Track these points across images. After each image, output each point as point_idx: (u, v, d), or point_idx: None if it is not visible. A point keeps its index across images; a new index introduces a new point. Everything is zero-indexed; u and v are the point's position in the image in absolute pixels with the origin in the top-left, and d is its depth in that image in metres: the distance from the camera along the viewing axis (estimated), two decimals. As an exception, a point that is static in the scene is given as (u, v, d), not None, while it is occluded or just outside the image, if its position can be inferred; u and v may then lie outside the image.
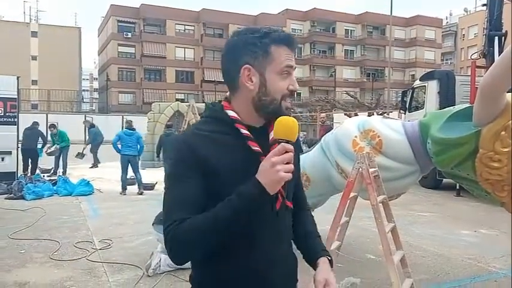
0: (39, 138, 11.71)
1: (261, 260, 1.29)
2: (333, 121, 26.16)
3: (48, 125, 13.24)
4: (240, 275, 1.28)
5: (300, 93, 53.82)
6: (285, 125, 1.18)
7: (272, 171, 1.13)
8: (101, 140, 14.98)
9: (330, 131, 12.35)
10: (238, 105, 1.31)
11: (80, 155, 13.99)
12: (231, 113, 1.30)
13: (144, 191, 9.83)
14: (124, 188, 9.74)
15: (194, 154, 1.24)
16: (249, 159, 1.23)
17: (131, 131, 9.83)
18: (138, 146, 9.82)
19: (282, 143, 1.15)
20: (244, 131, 1.27)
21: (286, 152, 1.14)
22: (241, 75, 1.28)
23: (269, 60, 1.27)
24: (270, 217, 1.29)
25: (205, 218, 1.17)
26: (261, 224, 1.27)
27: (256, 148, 1.25)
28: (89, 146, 14.80)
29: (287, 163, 1.14)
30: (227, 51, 1.32)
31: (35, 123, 11.92)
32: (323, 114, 15.63)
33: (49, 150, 12.34)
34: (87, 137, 14.29)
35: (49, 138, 12.92)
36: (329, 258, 1.42)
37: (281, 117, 1.21)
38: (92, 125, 14.00)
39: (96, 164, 14.68)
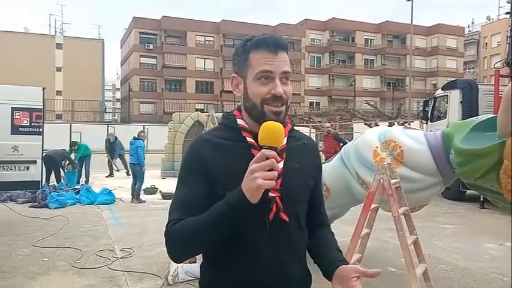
0: (65, 158, 12.02)
1: (257, 271, 1.27)
2: (352, 131, 26.02)
3: (70, 143, 13.55)
4: (237, 284, 1.29)
5: (319, 102, 53.72)
6: (266, 131, 1.16)
7: (250, 179, 1.12)
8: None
9: (337, 139, 12.46)
10: (243, 113, 1.36)
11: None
12: (240, 121, 1.33)
13: (164, 200, 9.92)
14: (137, 196, 9.97)
15: (200, 159, 1.29)
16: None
17: (134, 140, 10.06)
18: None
19: (262, 149, 1.14)
20: (250, 139, 1.29)
21: (268, 158, 1.12)
22: (231, 84, 1.36)
23: (248, 66, 1.29)
24: (268, 228, 1.26)
25: (195, 220, 1.21)
26: (257, 234, 1.26)
27: None
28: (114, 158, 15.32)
29: (270, 170, 1.12)
30: None
31: (63, 150, 12.37)
32: (328, 124, 15.81)
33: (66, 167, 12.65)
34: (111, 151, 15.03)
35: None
36: None
37: (265, 122, 1.20)
38: (116, 138, 14.54)
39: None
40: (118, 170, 15.55)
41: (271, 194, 1.24)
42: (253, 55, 1.28)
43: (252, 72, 1.28)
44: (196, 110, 34.59)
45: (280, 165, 1.27)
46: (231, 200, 1.17)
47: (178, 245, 1.26)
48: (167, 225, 1.27)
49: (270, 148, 1.14)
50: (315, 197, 1.45)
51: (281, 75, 1.27)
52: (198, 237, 1.22)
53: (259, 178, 1.10)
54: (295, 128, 1.47)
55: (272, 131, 1.16)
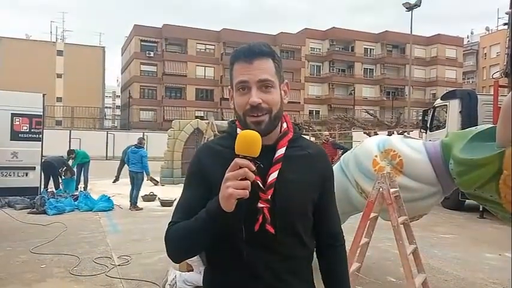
0: (63, 165, 11.93)
1: (254, 283, 1.27)
2: (352, 139, 26.04)
3: (67, 151, 13.37)
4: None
5: (319, 111, 53.81)
6: (241, 140, 1.15)
7: (223, 187, 1.13)
8: None
9: (335, 147, 12.58)
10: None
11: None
12: (238, 130, 1.32)
13: (163, 207, 9.89)
14: (134, 203, 9.92)
15: (200, 166, 1.33)
16: None
17: (137, 149, 10.06)
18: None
19: (235, 159, 1.13)
20: None
21: (241, 167, 1.11)
22: (228, 96, 1.39)
23: (233, 78, 1.31)
24: (257, 237, 1.24)
25: (185, 224, 1.24)
26: (249, 245, 1.25)
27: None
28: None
29: (244, 179, 1.11)
30: None
31: (61, 156, 12.29)
32: (326, 132, 16.10)
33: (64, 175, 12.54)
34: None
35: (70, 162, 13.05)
36: None
37: (241, 131, 1.20)
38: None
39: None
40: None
41: (260, 205, 1.22)
42: (234, 66, 1.30)
43: (234, 83, 1.29)
44: (196, 117, 34.52)
45: (274, 175, 1.25)
46: (209, 207, 1.18)
47: (174, 247, 1.29)
48: (168, 226, 1.31)
49: (245, 157, 1.13)
50: (322, 211, 1.40)
51: (258, 83, 1.25)
52: (186, 240, 1.24)
53: (231, 187, 1.10)
54: (303, 136, 1.44)
55: (246, 141, 1.14)
